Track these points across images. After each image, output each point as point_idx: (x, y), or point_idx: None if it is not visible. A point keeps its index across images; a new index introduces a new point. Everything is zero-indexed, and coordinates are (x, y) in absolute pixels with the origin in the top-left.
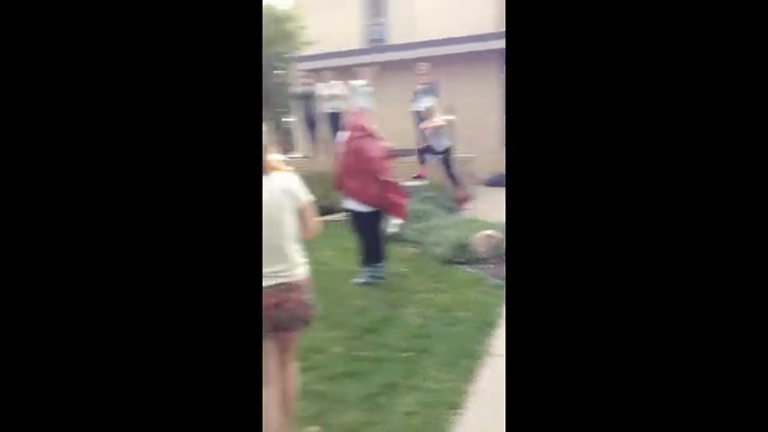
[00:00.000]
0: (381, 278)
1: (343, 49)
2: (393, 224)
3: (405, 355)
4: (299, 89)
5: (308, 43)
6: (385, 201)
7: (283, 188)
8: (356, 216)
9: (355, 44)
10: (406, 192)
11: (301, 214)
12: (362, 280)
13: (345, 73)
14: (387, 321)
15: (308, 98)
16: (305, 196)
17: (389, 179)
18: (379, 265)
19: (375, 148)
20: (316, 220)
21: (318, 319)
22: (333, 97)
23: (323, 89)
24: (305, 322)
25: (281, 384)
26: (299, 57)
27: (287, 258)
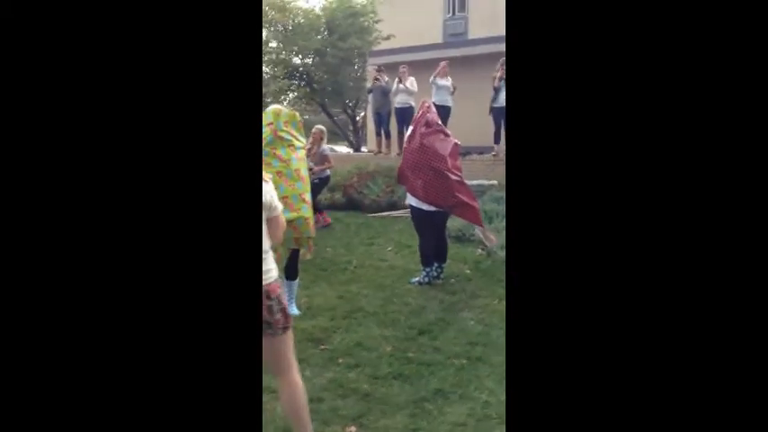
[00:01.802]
0: (439, 279)
1: (421, 43)
2: (487, 238)
3: (458, 361)
4: (371, 84)
5: (385, 38)
6: (453, 201)
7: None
8: (418, 214)
9: (435, 39)
10: (475, 192)
11: (272, 222)
12: (419, 279)
13: (422, 68)
14: (442, 324)
15: (380, 93)
16: (276, 206)
17: (458, 179)
18: (438, 265)
19: (444, 146)
20: (281, 230)
21: (369, 316)
22: (403, 92)
23: (394, 84)
24: (274, 327)
25: (283, 394)
26: (374, 51)
27: None
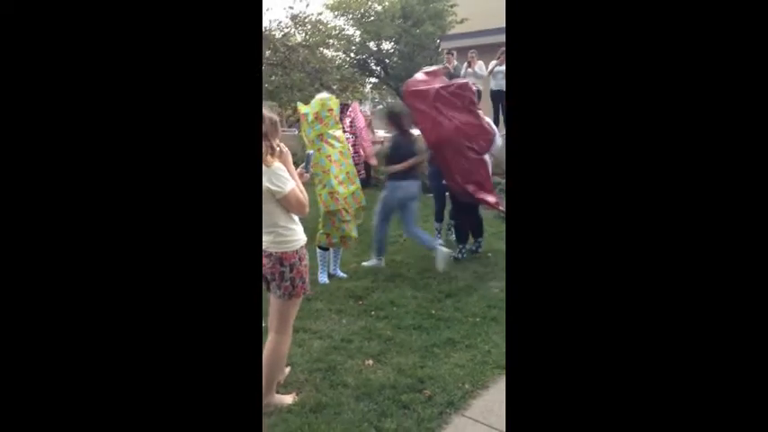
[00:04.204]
0: (477, 252)
1: (499, 25)
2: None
3: (473, 319)
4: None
5: (459, 21)
6: (473, 180)
7: (264, 180)
8: (453, 194)
9: None
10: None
11: (283, 201)
12: (455, 254)
13: (496, 51)
14: (469, 290)
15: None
16: (285, 186)
17: (482, 163)
18: (476, 240)
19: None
20: (299, 205)
21: (406, 281)
22: (471, 76)
23: (463, 69)
24: (281, 291)
25: (267, 346)
26: (447, 35)
27: (268, 233)
